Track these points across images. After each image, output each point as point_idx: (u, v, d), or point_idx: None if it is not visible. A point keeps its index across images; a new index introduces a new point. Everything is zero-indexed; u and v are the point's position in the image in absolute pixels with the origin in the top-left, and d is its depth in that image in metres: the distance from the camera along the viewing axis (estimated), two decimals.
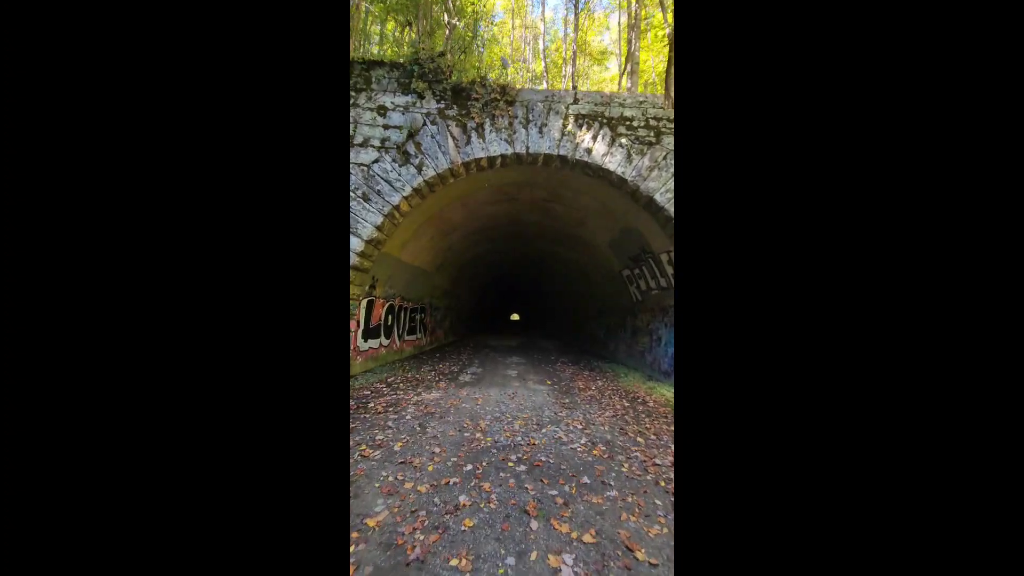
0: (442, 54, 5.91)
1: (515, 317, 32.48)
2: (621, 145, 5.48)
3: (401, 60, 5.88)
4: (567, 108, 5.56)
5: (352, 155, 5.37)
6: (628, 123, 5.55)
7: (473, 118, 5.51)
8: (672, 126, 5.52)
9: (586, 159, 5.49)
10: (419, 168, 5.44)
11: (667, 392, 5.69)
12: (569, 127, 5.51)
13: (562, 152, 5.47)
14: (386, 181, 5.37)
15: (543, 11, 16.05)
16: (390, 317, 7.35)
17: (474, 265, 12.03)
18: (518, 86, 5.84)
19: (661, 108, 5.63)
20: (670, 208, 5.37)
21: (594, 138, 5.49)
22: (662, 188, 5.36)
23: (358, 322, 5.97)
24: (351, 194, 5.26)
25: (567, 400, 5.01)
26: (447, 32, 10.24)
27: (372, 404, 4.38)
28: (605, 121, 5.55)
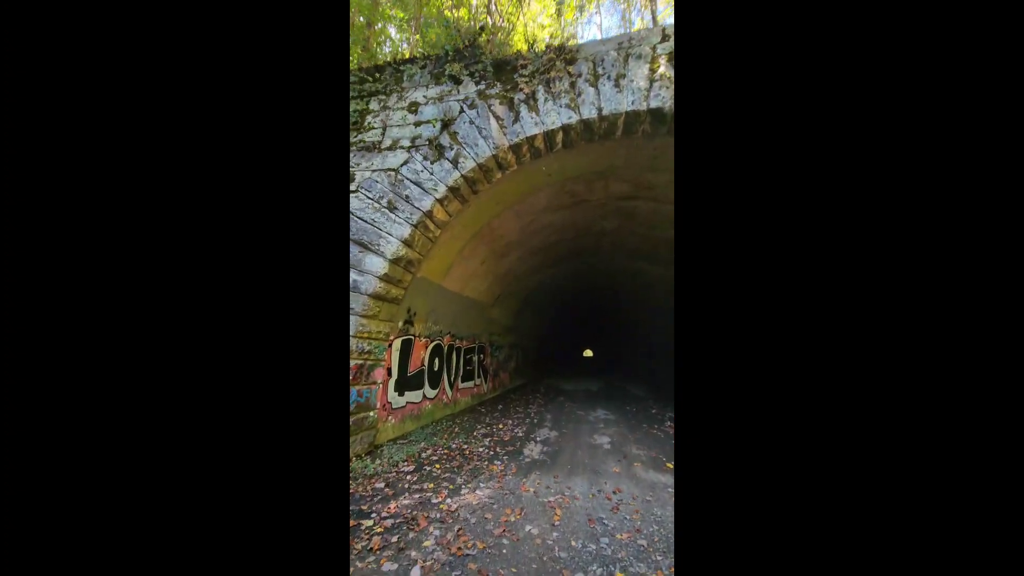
0: (482, 28, 4.83)
1: (588, 354, 29.28)
2: None
3: (435, 51, 4.97)
4: (654, 50, 3.86)
5: (379, 160, 4.35)
6: None
7: (521, 90, 4.14)
8: None
9: None
10: (455, 162, 4.15)
11: None
12: (660, 68, 3.75)
13: (653, 105, 3.69)
14: (415, 183, 4.16)
15: None
16: (436, 360, 5.89)
17: (539, 294, 10.35)
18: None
19: None
20: None
21: None
22: None
23: (388, 370, 4.56)
24: (376, 204, 4.14)
25: None
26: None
27: (373, 519, 2.56)
28: None
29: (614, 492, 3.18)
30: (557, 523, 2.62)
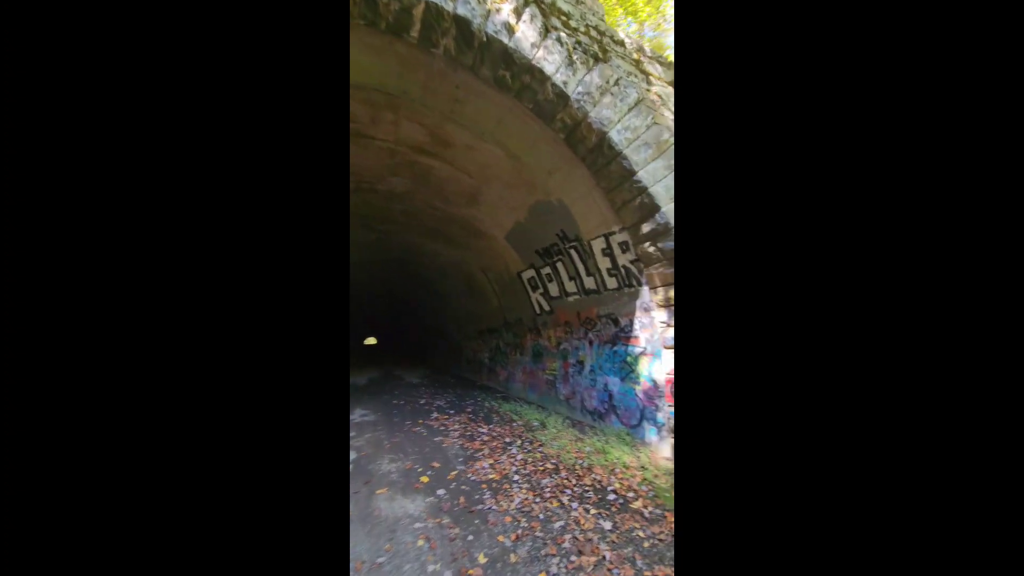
0: None
1: (371, 341, 26.67)
2: (560, 41, 3.25)
3: None
4: None
5: None
6: (564, 18, 3.41)
7: None
8: (621, 49, 3.70)
9: (505, 41, 2.99)
10: None
11: (627, 456, 3.51)
12: None
13: (460, 11, 2.80)
14: None
15: None
16: None
17: None
18: None
19: (601, 20, 3.78)
20: (633, 157, 3.40)
21: (517, 15, 3.08)
22: (618, 123, 3.37)
23: None
24: None
25: (477, 548, 2.12)
26: None
27: None
28: (533, 1, 3.24)
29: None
30: None
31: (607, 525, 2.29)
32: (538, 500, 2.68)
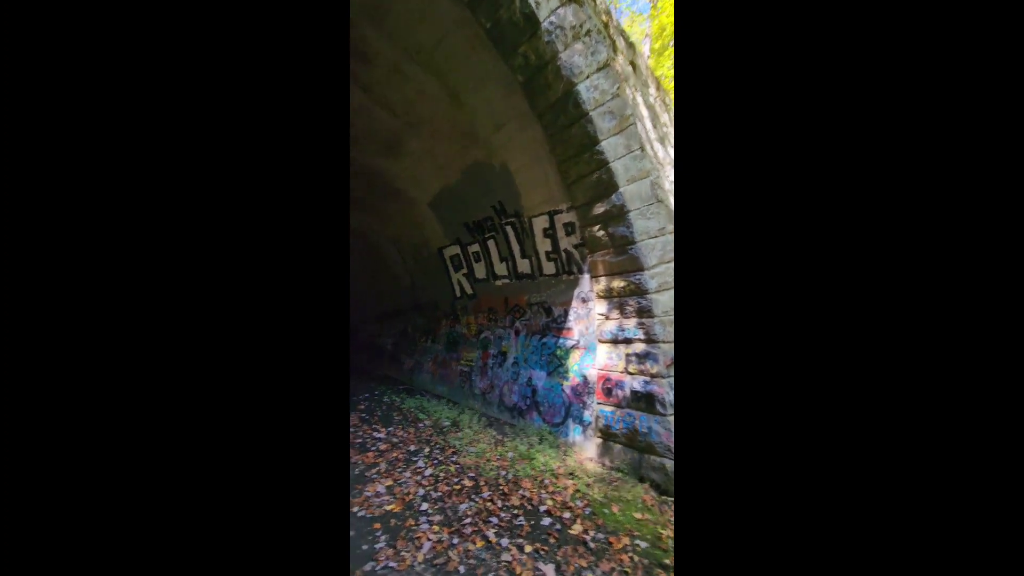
0: None
1: None
2: None
3: None
4: None
5: None
6: None
7: None
8: (592, 1, 3.19)
9: None
10: None
11: (554, 460, 3.09)
12: None
13: None
14: None
15: None
16: None
17: None
18: None
19: None
20: (599, 124, 2.92)
21: None
22: (588, 79, 2.85)
23: None
24: None
25: None
26: None
27: None
28: None
29: None
30: None
31: (549, 571, 1.77)
32: (456, 540, 2.01)
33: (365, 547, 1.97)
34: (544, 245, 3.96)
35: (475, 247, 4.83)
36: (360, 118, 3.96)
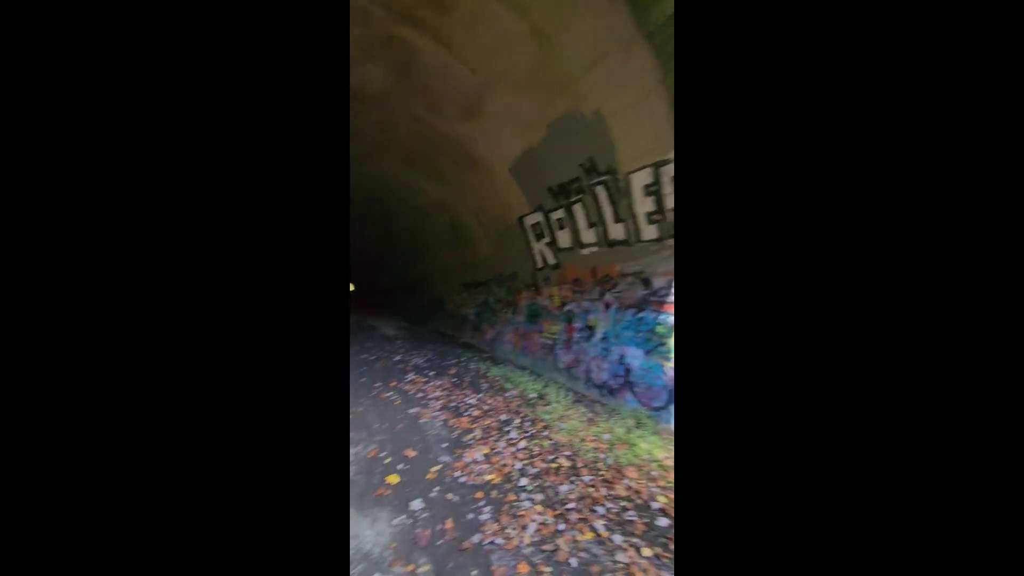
0: None
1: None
2: None
3: None
4: None
5: None
6: None
7: None
8: None
9: None
10: None
11: (658, 449, 2.78)
12: None
13: None
14: None
15: None
16: None
17: None
18: None
19: None
20: None
21: None
22: None
23: None
24: None
25: None
26: None
27: None
28: None
29: None
30: None
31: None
32: (562, 526, 1.90)
33: (471, 516, 1.99)
34: (644, 205, 3.41)
35: (559, 213, 4.47)
36: (440, 79, 3.79)
